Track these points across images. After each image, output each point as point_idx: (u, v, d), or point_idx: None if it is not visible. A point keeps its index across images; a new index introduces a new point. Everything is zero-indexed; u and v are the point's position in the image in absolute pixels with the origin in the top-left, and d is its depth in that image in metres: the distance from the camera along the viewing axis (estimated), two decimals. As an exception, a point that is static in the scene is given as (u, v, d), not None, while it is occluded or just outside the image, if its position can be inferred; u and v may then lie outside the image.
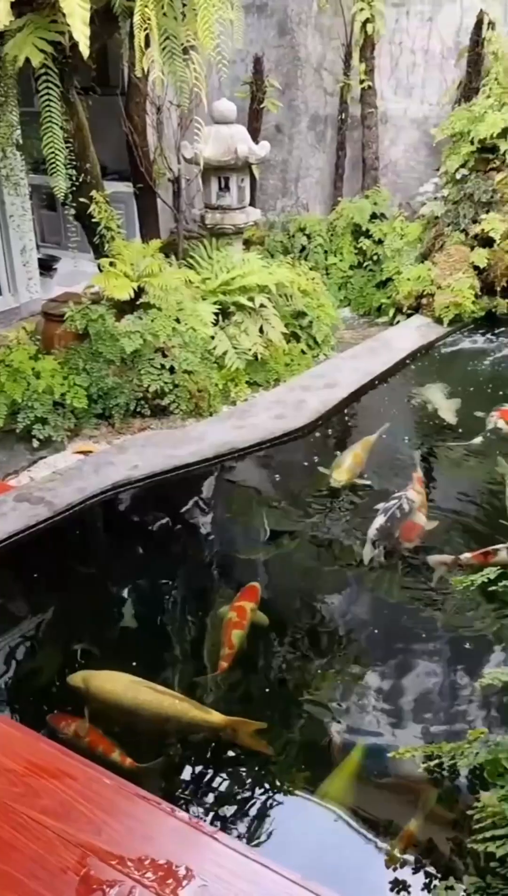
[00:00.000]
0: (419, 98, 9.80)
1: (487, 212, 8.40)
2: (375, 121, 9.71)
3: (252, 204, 8.45)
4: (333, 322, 8.23)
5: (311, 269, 8.77)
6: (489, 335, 8.36)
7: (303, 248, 9.34)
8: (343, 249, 9.39)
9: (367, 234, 9.28)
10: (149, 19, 5.64)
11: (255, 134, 9.14)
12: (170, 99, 7.68)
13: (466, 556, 4.52)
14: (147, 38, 5.69)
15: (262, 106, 9.50)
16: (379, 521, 4.77)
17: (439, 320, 8.24)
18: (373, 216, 9.39)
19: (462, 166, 8.73)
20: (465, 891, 2.17)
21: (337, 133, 10.02)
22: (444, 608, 4.42)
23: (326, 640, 4.38)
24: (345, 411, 6.86)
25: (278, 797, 3.46)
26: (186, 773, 3.62)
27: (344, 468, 5.45)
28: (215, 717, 3.57)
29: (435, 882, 2.78)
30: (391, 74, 9.82)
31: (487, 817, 2.26)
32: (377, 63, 9.57)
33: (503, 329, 8.43)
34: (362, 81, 9.44)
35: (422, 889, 2.77)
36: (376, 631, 4.43)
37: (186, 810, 3.18)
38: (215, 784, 3.53)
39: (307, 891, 2.38)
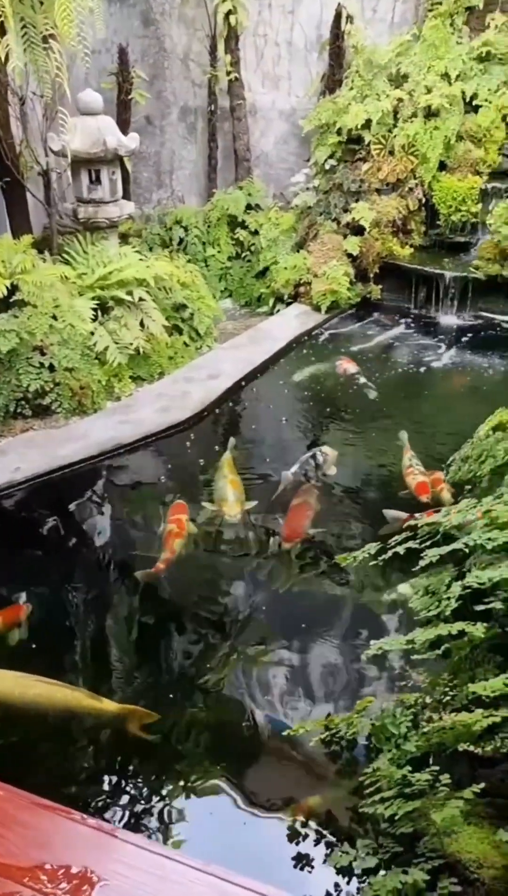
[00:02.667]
0: (286, 90, 9.95)
1: (356, 201, 8.65)
2: (244, 112, 9.78)
3: (126, 197, 8.33)
4: (214, 313, 8.25)
5: (189, 261, 8.76)
6: (365, 321, 8.64)
7: (181, 241, 9.31)
8: (221, 241, 9.43)
9: (243, 225, 9.35)
10: (4, 6, 5.45)
11: (125, 126, 9.01)
12: (33, 90, 7.44)
13: (420, 515, 4.66)
14: (2, 25, 5.49)
15: (130, 97, 9.37)
16: (294, 467, 5.53)
17: (317, 308, 8.43)
18: (248, 207, 9.48)
19: (331, 157, 8.95)
20: (359, 853, 2.25)
21: (208, 125, 10.03)
22: (342, 586, 4.56)
23: (228, 627, 4.44)
24: (230, 401, 6.94)
25: (181, 787, 3.47)
26: (88, 775, 3.58)
27: (232, 501, 5.14)
28: (108, 705, 3.58)
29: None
30: (257, 66, 9.92)
31: (376, 781, 2.36)
32: (243, 55, 9.64)
33: (378, 314, 8.73)
34: (228, 73, 9.48)
35: (324, 860, 2.84)
36: (277, 614, 4.51)
37: (89, 812, 3.14)
38: (115, 782, 3.51)
39: (209, 875, 2.41)
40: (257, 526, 5.21)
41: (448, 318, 8.51)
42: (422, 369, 7.55)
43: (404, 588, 4.33)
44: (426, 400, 6.99)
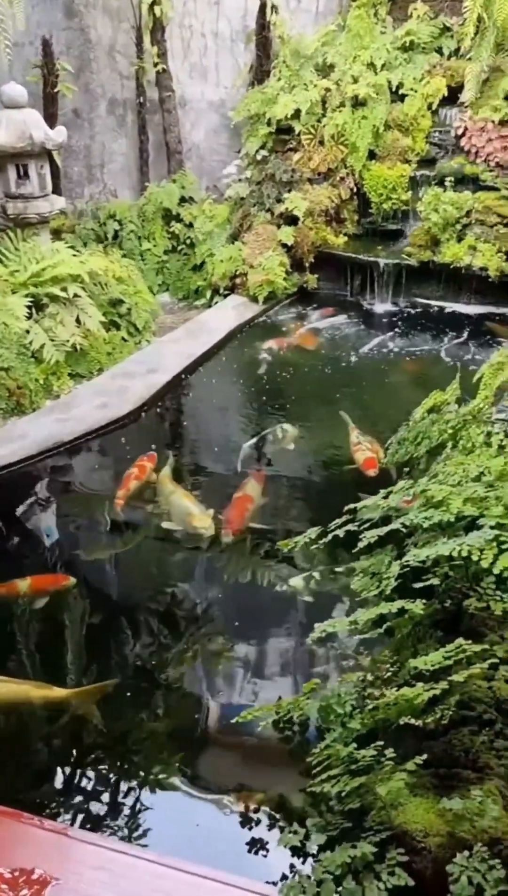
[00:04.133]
0: (215, 81, 9.92)
1: (289, 191, 8.68)
2: (173, 104, 9.72)
3: (57, 192, 8.20)
4: (152, 308, 8.20)
5: (125, 256, 8.68)
6: (302, 310, 8.70)
7: (116, 235, 9.20)
8: (156, 234, 9.36)
9: (178, 218, 9.31)
10: None
11: (52, 119, 8.86)
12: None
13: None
14: None
15: (56, 90, 9.20)
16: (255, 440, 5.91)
17: (254, 298, 8.45)
18: (182, 200, 9.43)
19: (262, 148, 8.97)
20: (309, 832, 2.28)
21: (137, 117, 9.93)
22: (291, 574, 4.60)
23: (179, 619, 4.44)
24: (170, 395, 6.91)
25: (135, 780, 3.46)
26: (39, 772, 3.54)
27: (199, 513, 4.92)
28: (57, 692, 3.55)
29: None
30: (184, 58, 9.85)
31: (324, 760, 2.40)
32: (170, 46, 9.56)
33: (315, 303, 8.80)
34: (156, 64, 9.40)
35: (277, 843, 2.87)
36: (229, 605, 4.52)
37: (40, 811, 3.11)
38: (67, 779, 3.47)
39: (161, 865, 2.42)
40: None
41: (384, 305, 8.64)
42: (360, 356, 7.64)
43: (295, 581, 4.41)
44: (364, 385, 7.08)
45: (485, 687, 2.54)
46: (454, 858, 2.07)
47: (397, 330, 8.22)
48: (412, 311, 8.51)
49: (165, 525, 4.99)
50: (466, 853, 2.08)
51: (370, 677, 2.75)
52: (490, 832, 2.16)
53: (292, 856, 2.72)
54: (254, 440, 5.96)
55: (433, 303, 8.50)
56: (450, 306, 8.44)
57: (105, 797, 3.39)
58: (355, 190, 8.80)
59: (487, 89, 8.42)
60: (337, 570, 4.33)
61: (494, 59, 8.32)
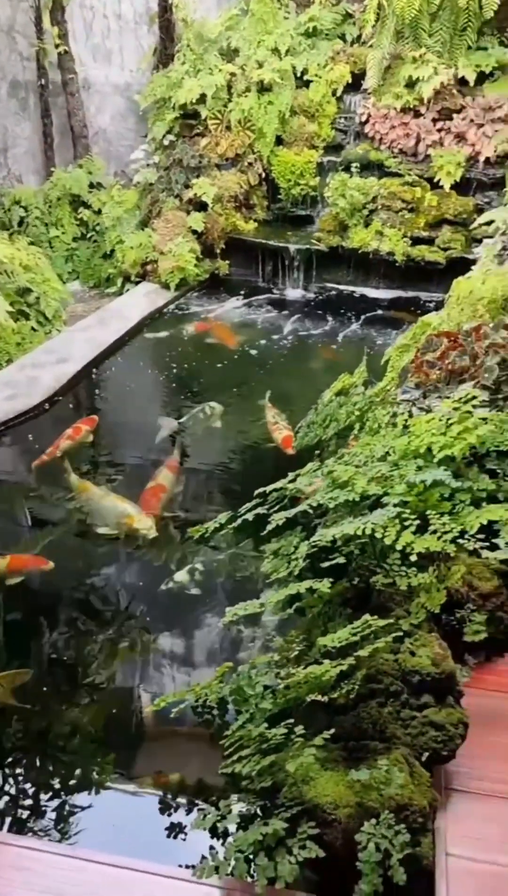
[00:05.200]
0: (119, 64, 9.72)
1: (197, 176, 8.62)
2: (77, 87, 9.48)
3: (-44, 177, 7.91)
4: (62, 296, 8.01)
5: (32, 243, 8.44)
6: (214, 296, 8.68)
7: (21, 222, 8.93)
8: (63, 221, 9.14)
9: (86, 205, 9.11)
10: None
11: None
12: None
13: None
14: None
15: (-48, 71, 8.86)
16: (183, 419, 6.04)
17: (166, 285, 8.38)
18: (90, 185, 9.23)
19: (169, 132, 8.87)
20: (222, 813, 2.30)
21: (40, 100, 9.63)
22: (212, 564, 4.61)
23: (106, 614, 4.39)
24: (82, 384, 6.80)
25: (54, 775, 3.42)
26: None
27: (137, 514, 4.78)
28: None
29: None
30: (86, 39, 9.61)
31: (236, 742, 2.42)
32: (71, 27, 9.31)
33: (227, 289, 8.80)
34: (57, 46, 9.14)
35: (192, 826, 2.89)
36: (152, 597, 4.49)
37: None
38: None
39: (81, 860, 2.40)
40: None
41: (295, 291, 8.72)
42: (273, 341, 7.69)
43: (180, 576, 4.43)
44: (277, 369, 7.14)
45: (391, 660, 2.61)
46: (362, 827, 2.13)
47: (309, 315, 8.30)
48: (324, 296, 8.62)
49: (100, 531, 4.81)
50: (373, 821, 2.14)
51: (276, 657, 2.78)
52: (397, 799, 2.23)
53: (213, 838, 2.75)
54: (183, 419, 6.04)
55: (343, 287, 8.62)
56: (360, 290, 8.59)
57: (25, 795, 3.33)
58: (263, 175, 8.81)
59: (389, 76, 8.55)
60: (249, 553, 4.36)
61: (395, 47, 8.46)
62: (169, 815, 3.06)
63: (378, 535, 2.69)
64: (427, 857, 2.22)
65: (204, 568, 4.55)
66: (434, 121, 8.36)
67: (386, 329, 7.83)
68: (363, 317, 8.16)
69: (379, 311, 8.26)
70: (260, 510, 3.11)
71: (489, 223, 6.05)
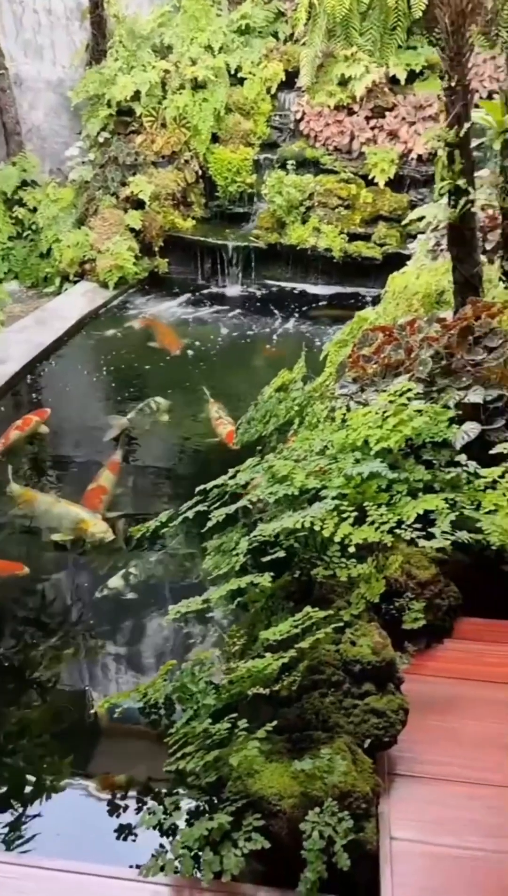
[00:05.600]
0: (51, 60, 9.56)
1: (134, 174, 8.56)
2: (8, 83, 9.28)
3: None
4: (-2, 297, 7.88)
5: (-36, 243, 8.27)
6: (153, 295, 8.63)
7: (-47, 222, 8.73)
8: (-2, 220, 8.96)
9: (21, 203, 8.94)
10: None
11: None
12: None
13: None
14: None
15: None
16: (130, 414, 6.11)
17: (105, 284, 8.29)
18: (24, 183, 9.05)
19: (103, 129, 8.77)
20: (167, 810, 2.31)
21: (-31, 96, 9.42)
22: (159, 565, 4.59)
23: (54, 618, 4.34)
24: (20, 386, 6.69)
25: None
26: None
27: (91, 518, 4.75)
28: None
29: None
30: (17, 34, 9.43)
31: (181, 739, 2.42)
32: (0, 22, 9.12)
33: (166, 288, 8.76)
34: (-15, 41, 8.95)
35: (137, 825, 2.88)
36: (99, 600, 4.45)
37: None
38: None
39: (21, 866, 2.37)
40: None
41: (234, 288, 8.73)
42: (212, 338, 7.69)
43: (114, 581, 4.41)
44: (217, 366, 7.15)
45: (333, 650, 2.65)
46: (306, 816, 2.16)
47: (249, 312, 8.33)
48: (263, 293, 8.65)
49: (54, 538, 4.75)
50: (317, 810, 2.17)
51: (217, 653, 2.80)
52: (340, 787, 2.27)
53: (163, 836, 2.75)
54: (131, 414, 6.05)
55: (283, 284, 8.68)
56: (300, 287, 8.65)
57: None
58: (200, 173, 8.79)
59: (322, 74, 8.63)
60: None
61: (327, 45, 8.53)
62: (118, 816, 3.04)
63: (317, 528, 2.73)
64: (371, 841, 2.26)
65: (145, 568, 4.54)
66: (368, 118, 8.47)
67: (326, 325, 7.90)
68: (302, 313, 8.22)
69: (319, 307, 8.33)
70: (201, 507, 3.11)
71: (420, 219, 6.16)
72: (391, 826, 2.37)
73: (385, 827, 2.37)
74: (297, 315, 8.19)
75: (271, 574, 2.74)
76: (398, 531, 2.87)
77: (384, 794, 2.47)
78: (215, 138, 8.75)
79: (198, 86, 8.58)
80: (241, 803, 2.22)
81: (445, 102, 4.03)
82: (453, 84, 3.90)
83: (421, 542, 2.85)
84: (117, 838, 2.98)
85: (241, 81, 8.77)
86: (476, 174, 5.50)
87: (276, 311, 8.27)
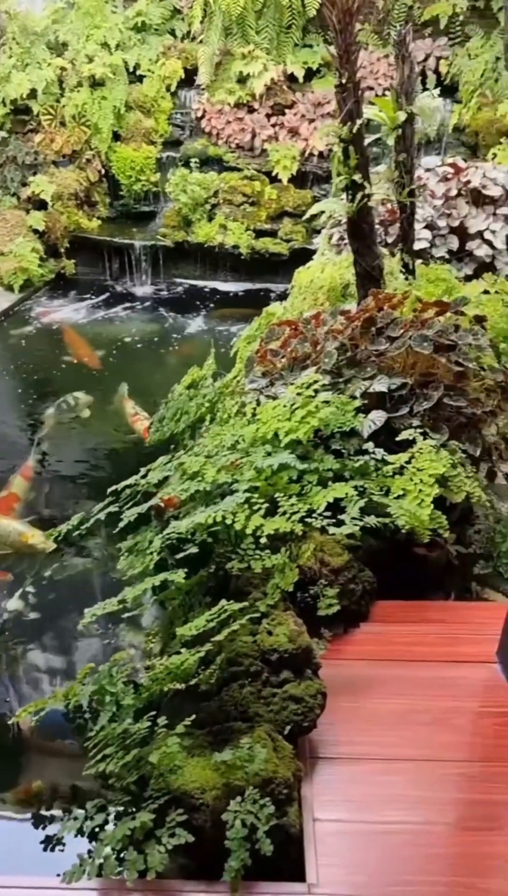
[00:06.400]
0: None
1: (34, 174, 8.39)
2: None
3: None
4: None
5: None
6: (61, 296, 8.49)
7: None
8: None
9: None
10: None
11: None
12: None
13: None
14: None
15: None
16: (50, 410, 6.13)
17: (9, 287, 8.10)
18: None
19: (0, 129, 8.55)
20: (88, 814, 2.29)
21: None
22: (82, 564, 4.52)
23: None
24: None
25: None
26: None
27: (29, 531, 4.68)
28: None
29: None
30: None
31: (99, 742, 2.40)
32: None
33: (74, 289, 8.62)
34: None
35: (59, 832, 2.83)
36: (29, 608, 4.35)
37: None
38: None
39: None
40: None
41: (144, 288, 8.68)
42: (122, 338, 7.62)
43: (13, 604, 4.33)
44: (128, 366, 7.09)
45: (250, 641, 2.67)
46: (228, 806, 2.18)
47: (159, 311, 8.29)
48: (173, 292, 8.63)
49: None
50: (239, 799, 2.20)
51: (132, 653, 2.79)
52: (262, 774, 2.29)
53: (91, 841, 2.72)
54: (51, 410, 6.06)
55: (192, 282, 8.68)
56: (209, 284, 8.67)
57: None
58: (103, 172, 8.70)
59: (221, 72, 8.66)
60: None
61: (224, 43, 8.56)
62: (43, 827, 2.99)
63: (229, 522, 2.75)
64: (295, 825, 2.30)
65: (62, 572, 4.47)
66: (268, 116, 8.56)
67: (237, 321, 7.94)
68: (213, 310, 8.24)
69: (229, 304, 8.37)
70: (112, 508, 3.09)
71: (320, 214, 6.27)
72: (314, 808, 2.42)
73: (309, 809, 2.41)
74: (207, 312, 8.21)
75: (186, 570, 2.75)
76: (308, 520, 2.92)
77: (307, 778, 2.51)
78: (116, 136, 8.66)
79: (96, 83, 8.48)
80: (163, 800, 2.21)
81: (338, 99, 4.11)
82: (344, 81, 3.99)
83: (332, 530, 2.91)
84: (45, 850, 2.94)
85: (140, 79, 8.71)
86: (374, 169, 5.65)
87: (186, 309, 8.26)
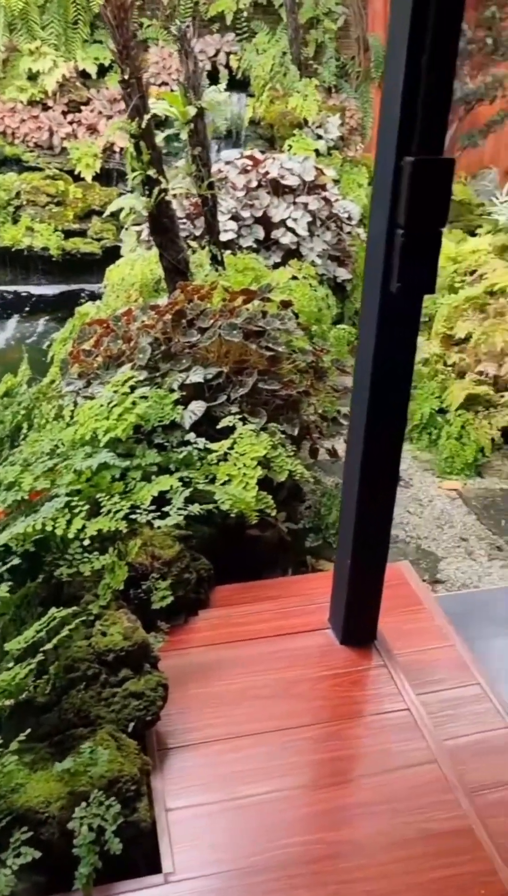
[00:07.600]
0: None
1: None
2: None
3: None
4: None
5: None
6: None
7: None
8: None
9: None
10: None
11: None
12: None
13: None
14: None
15: None
16: None
17: None
18: None
19: None
20: None
21: None
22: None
23: None
24: None
25: None
26: None
27: None
28: None
29: None
30: None
31: None
32: None
33: None
34: None
35: None
36: None
37: None
38: None
39: None
40: None
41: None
42: None
43: None
44: None
45: (85, 645, 2.64)
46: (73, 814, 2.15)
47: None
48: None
49: None
50: (84, 804, 2.17)
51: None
52: (107, 776, 2.28)
53: None
54: None
55: (2, 288, 8.34)
56: (22, 289, 8.37)
57: None
58: None
59: (10, 69, 8.37)
60: None
61: (9, 39, 8.27)
62: None
63: (49, 528, 2.69)
64: (146, 819, 2.30)
65: None
66: (64, 113, 8.38)
67: (54, 324, 7.74)
68: (28, 315, 7.99)
69: (44, 307, 8.14)
70: None
71: (119, 211, 6.24)
72: (165, 798, 2.44)
73: (160, 801, 2.42)
74: (20, 318, 7.94)
75: (11, 584, 2.66)
76: (133, 516, 2.92)
77: (157, 770, 2.53)
78: None
79: None
80: (6, 821, 2.14)
81: (123, 95, 4.10)
82: (127, 77, 3.99)
83: (157, 523, 2.93)
84: None
85: None
86: (176, 164, 5.69)
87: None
